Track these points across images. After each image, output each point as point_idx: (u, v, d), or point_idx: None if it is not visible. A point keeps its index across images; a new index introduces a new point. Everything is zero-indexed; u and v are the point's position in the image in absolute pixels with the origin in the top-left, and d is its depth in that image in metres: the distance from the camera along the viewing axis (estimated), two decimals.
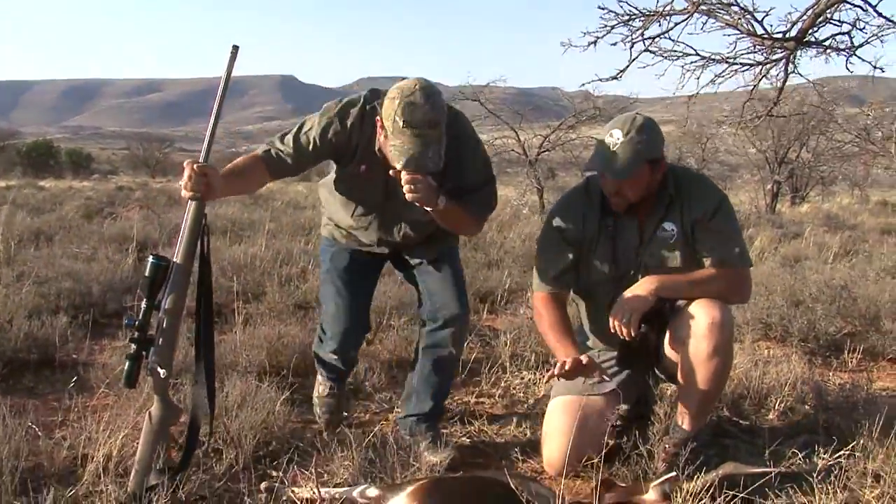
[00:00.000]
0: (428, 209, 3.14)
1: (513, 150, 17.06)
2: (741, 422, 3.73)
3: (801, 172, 21.24)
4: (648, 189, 3.20)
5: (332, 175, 3.54)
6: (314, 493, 2.61)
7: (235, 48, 2.88)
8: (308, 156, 3.30)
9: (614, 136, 3.10)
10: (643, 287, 3.13)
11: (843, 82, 19.50)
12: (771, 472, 2.78)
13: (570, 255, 3.35)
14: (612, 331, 3.15)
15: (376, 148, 3.26)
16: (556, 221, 3.39)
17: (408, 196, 3.05)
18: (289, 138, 3.28)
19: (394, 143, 3.03)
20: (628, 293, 3.15)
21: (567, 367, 2.97)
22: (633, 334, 3.10)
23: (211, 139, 2.89)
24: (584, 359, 2.99)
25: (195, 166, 2.81)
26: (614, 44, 6.70)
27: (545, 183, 17.21)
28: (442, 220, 3.28)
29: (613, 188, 3.17)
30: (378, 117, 3.15)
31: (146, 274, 2.78)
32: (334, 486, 2.88)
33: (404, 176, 3.03)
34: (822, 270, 7.72)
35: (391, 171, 3.13)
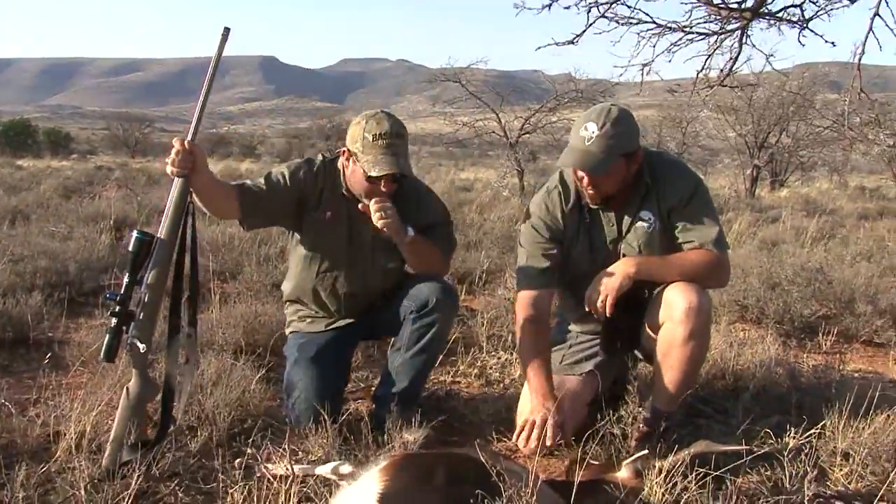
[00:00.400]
0: (396, 240, 3.33)
1: (493, 133, 17.06)
2: (715, 402, 3.76)
3: (780, 157, 21.33)
4: (624, 181, 3.18)
5: (296, 245, 3.60)
6: (287, 469, 2.61)
7: (227, 30, 2.98)
8: (279, 191, 3.39)
9: (589, 130, 3.06)
10: (621, 268, 3.13)
11: (823, 68, 19.61)
12: (743, 451, 2.80)
13: (554, 253, 3.32)
14: (588, 310, 3.16)
15: (343, 190, 3.44)
16: (536, 221, 3.35)
17: (378, 223, 3.22)
18: (260, 179, 3.42)
19: (366, 158, 3.24)
20: (605, 273, 3.15)
21: (522, 437, 3.08)
22: (608, 314, 3.11)
23: (199, 118, 2.96)
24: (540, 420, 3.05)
25: (186, 143, 2.90)
26: (568, 7, 6.63)
27: (526, 165, 17.23)
28: (410, 253, 3.43)
29: (589, 183, 3.14)
30: (343, 151, 3.40)
31: (129, 248, 2.82)
32: (308, 464, 2.88)
33: (373, 205, 3.22)
34: (798, 254, 7.77)
35: (360, 206, 3.30)
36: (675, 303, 3.03)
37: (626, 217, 3.26)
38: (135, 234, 2.82)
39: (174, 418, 2.96)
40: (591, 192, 3.18)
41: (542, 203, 3.37)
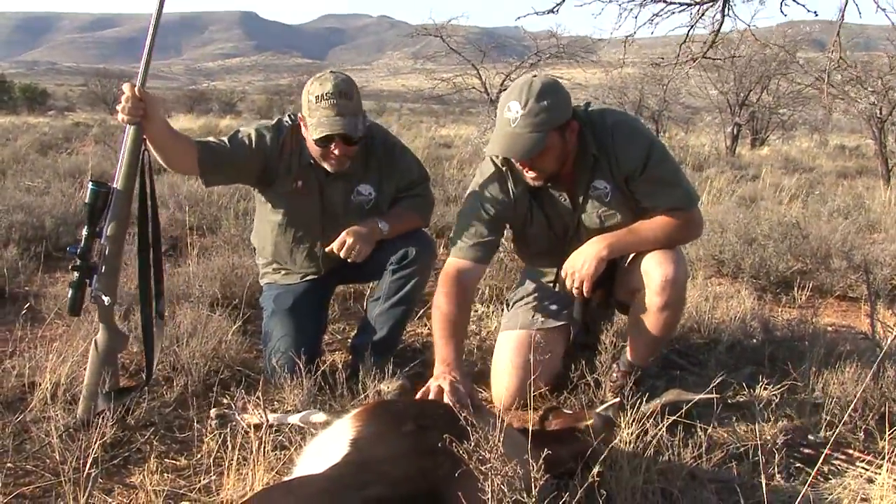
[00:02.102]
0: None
1: (474, 89, 16.98)
2: (690, 354, 3.80)
3: (761, 115, 21.32)
4: (564, 155, 3.01)
5: (265, 205, 3.53)
6: (262, 418, 2.62)
7: None
8: (242, 154, 3.29)
9: (513, 111, 2.85)
10: (593, 251, 3.02)
11: (806, 26, 19.54)
12: (714, 400, 2.83)
13: (492, 230, 3.17)
14: (566, 291, 3.14)
15: (310, 158, 3.35)
16: (484, 195, 3.19)
17: (356, 259, 3.25)
18: (224, 137, 3.32)
19: (311, 122, 3.17)
20: (578, 257, 3.05)
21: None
22: (586, 297, 3.08)
23: (147, 64, 2.82)
24: (443, 386, 2.65)
25: (136, 90, 2.79)
26: None
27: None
28: (392, 236, 3.41)
29: (525, 166, 3.00)
30: (300, 118, 3.31)
31: (86, 201, 2.77)
32: (283, 413, 2.90)
33: (336, 248, 3.24)
34: (776, 210, 7.81)
35: (326, 249, 3.31)
36: (653, 274, 2.98)
37: (578, 190, 3.12)
38: (90, 185, 2.77)
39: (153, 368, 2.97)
40: (531, 175, 3.02)
41: (493, 179, 3.19)
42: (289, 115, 3.45)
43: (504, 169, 3.16)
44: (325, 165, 3.29)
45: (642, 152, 3.01)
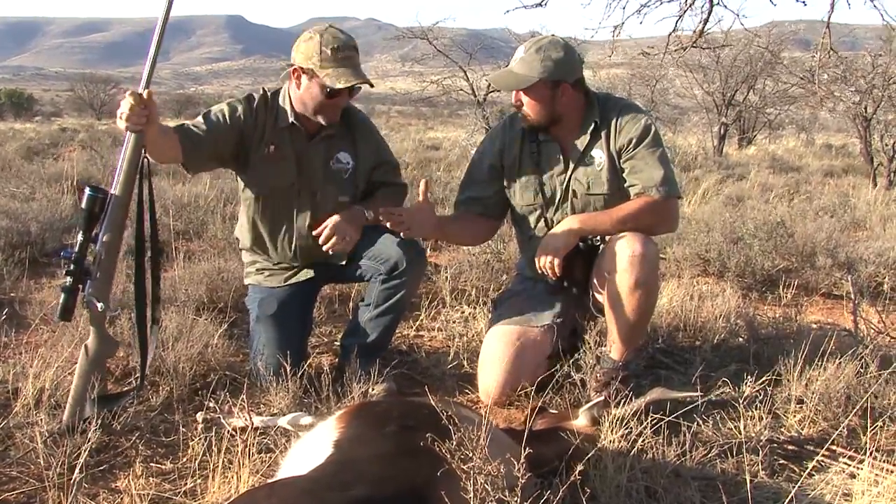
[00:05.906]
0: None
1: (462, 91, 16.97)
2: (675, 353, 3.81)
3: (748, 115, 21.40)
4: (551, 111, 3.25)
5: (245, 191, 3.52)
6: (247, 421, 2.62)
7: None
8: (219, 131, 3.30)
9: (517, 54, 3.24)
10: (566, 228, 3.17)
11: (791, 26, 19.62)
12: (697, 397, 2.84)
13: (486, 186, 3.50)
14: (540, 271, 3.19)
15: (291, 120, 3.38)
16: (481, 149, 3.57)
17: (340, 248, 3.31)
18: (199, 119, 3.34)
19: (327, 72, 3.20)
20: (551, 235, 3.19)
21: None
22: (557, 275, 3.14)
23: (152, 68, 2.82)
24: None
25: (143, 97, 2.77)
26: None
27: (494, 124, 17.19)
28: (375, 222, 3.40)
29: (515, 100, 3.29)
30: (292, 69, 3.33)
31: (83, 206, 2.76)
32: (269, 416, 2.90)
33: (326, 238, 3.27)
34: (762, 209, 7.84)
35: (315, 232, 3.31)
36: (620, 253, 3.04)
37: (573, 152, 3.32)
38: (87, 190, 2.76)
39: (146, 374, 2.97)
40: (519, 111, 3.32)
41: (490, 133, 3.60)
42: (263, 87, 3.52)
43: (507, 121, 3.52)
44: (322, 118, 3.34)
45: (641, 130, 3.22)
